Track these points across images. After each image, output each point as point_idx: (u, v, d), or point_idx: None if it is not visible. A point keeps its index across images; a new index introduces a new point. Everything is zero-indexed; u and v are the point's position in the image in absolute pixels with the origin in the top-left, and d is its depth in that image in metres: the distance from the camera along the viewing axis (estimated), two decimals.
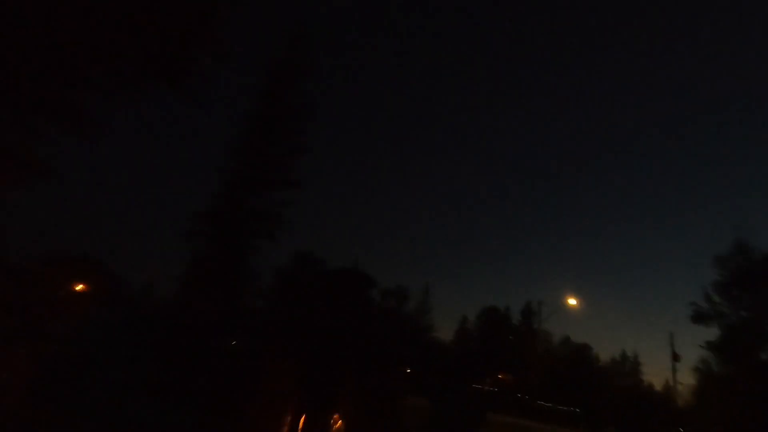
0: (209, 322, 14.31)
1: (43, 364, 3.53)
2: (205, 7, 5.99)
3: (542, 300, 34.67)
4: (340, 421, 2.63)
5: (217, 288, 20.97)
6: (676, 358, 40.08)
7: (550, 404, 46.25)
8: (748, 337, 25.71)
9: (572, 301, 31.10)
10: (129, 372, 3.80)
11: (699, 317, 28.06)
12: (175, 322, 9.21)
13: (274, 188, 23.40)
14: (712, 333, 27.88)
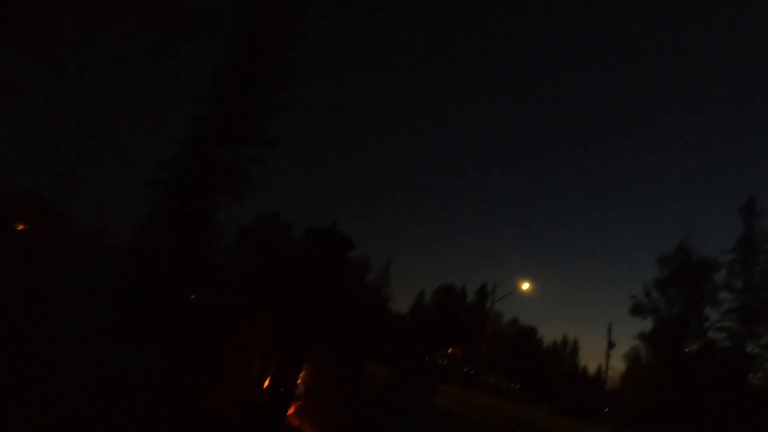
0: (168, 271, 13.96)
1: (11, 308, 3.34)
2: None
3: (497, 282, 36.17)
4: (301, 384, 2.67)
5: (177, 239, 20.36)
6: (611, 345, 43.11)
7: (494, 379, 49.01)
8: (677, 331, 27.87)
9: (525, 286, 32.64)
10: (85, 315, 3.64)
11: (637, 309, 30.11)
12: (133, 267, 8.91)
13: (246, 144, 22.63)
14: (646, 325, 30.02)
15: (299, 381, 2.02)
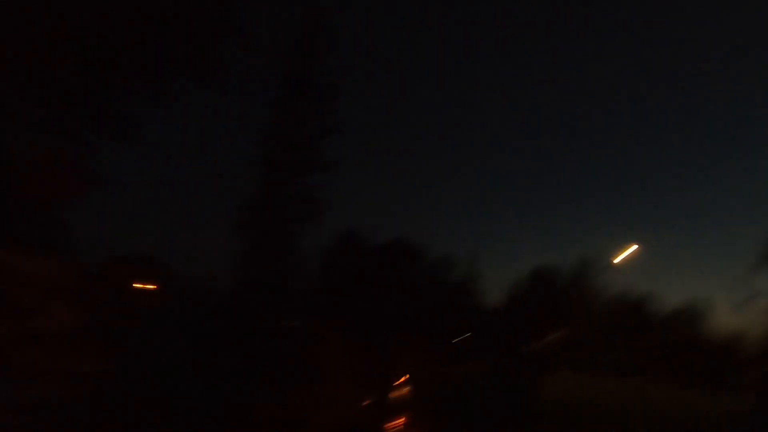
0: (265, 303, 15.00)
1: (118, 356, 3.84)
2: None
3: (597, 254, 33.40)
4: (403, 393, 2.68)
5: (267, 274, 21.85)
6: (747, 302, 37.90)
7: (609, 358, 45.50)
8: None
9: (630, 252, 29.67)
10: (191, 357, 4.08)
11: None
12: (233, 309, 9.72)
13: (308, 171, 23.74)
14: None
15: (401, 390, 2.01)
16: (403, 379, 2.04)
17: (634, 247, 29.96)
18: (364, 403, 1.87)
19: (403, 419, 1.97)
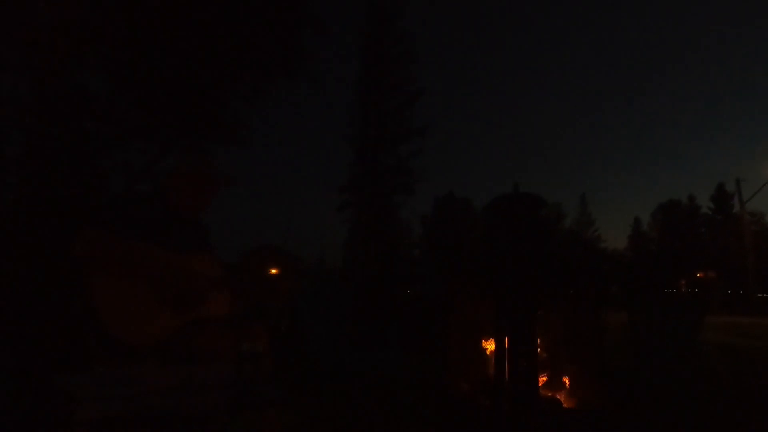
0: (379, 276, 15.69)
1: (277, 334, 4.33)
2: None
3: (739, 177, 28.13)
4: (541, 353, 2.58)
5: (376, 247, 22.76)
6: None
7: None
8: None
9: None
10: (332, 327, 4.44)
11: None
12: (351, 282, 10.30)
13: (400, 142, 23.79)
14: None
15: (538, 352, 1.94)
16: (536, 341, 1.93)
17: None
18: (504, 366, 1.82)
19: (541, 379, 1.89)
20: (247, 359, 1.60)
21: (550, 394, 2.17)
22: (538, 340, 2.21)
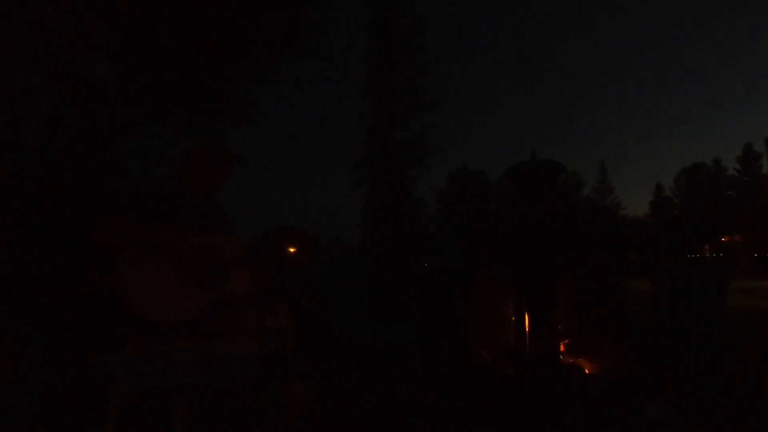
0: (396, 250, 15.81)
1: (300, 310, 4.44)
2: None
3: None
4: (561, 320, 2.58)
5: (393, 223, 22.79)
6: None
7: None
8: None
9: None
10: (352, 303, 4.52)
11: None
12: (369, 258, 10.40)
13: (412, 116, 23.44)
14: None
15: (558, 318, 1.93)
16: (556, 307, 1.92)
17: None
18: (525, 333, 1.82)
19: (562, 345, 1.88)
20: (271, 334, 1.64)
21: (572, 360, 2.17)
22: (559, 307, 2.19)
